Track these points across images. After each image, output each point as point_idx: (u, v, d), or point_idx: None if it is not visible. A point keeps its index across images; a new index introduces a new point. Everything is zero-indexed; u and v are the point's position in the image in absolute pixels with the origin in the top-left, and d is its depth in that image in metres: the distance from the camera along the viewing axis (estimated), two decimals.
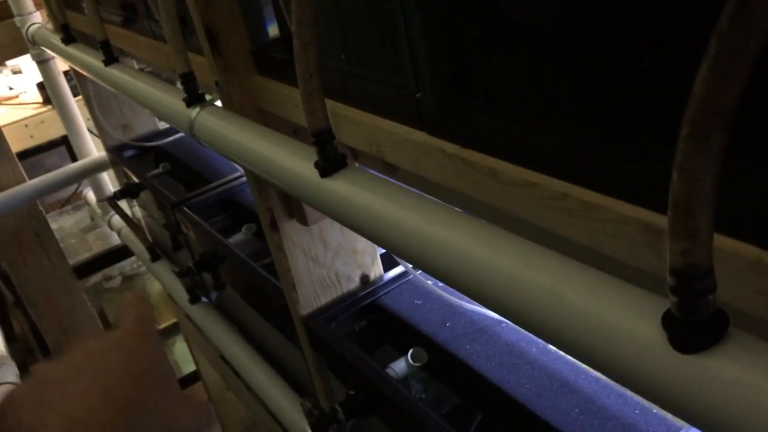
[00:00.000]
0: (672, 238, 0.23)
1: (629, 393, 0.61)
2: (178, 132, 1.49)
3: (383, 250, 0.86)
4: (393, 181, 0.47)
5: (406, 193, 0.43)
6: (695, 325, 0.25)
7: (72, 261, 1.89)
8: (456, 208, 0.41)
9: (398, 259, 0.75)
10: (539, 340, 0.70)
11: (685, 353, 0.25)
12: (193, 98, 0.70)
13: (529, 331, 0.33)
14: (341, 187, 0.47)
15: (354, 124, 0.53)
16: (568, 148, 0.37)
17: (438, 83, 0.44)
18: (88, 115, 1.71)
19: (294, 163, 0.52)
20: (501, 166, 0.41)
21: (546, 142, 0.38)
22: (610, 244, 0.35)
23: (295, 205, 0.75)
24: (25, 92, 2.47)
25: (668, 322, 0.26)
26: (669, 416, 0.58)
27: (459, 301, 0.75)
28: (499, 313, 0.35)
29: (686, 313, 0.25)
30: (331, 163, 0.47)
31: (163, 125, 1.56)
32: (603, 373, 0.29)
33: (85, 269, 1.92)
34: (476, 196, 0.43)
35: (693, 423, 0.25)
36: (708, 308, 0.24)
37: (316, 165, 0.48)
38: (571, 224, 0.37)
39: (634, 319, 0.28)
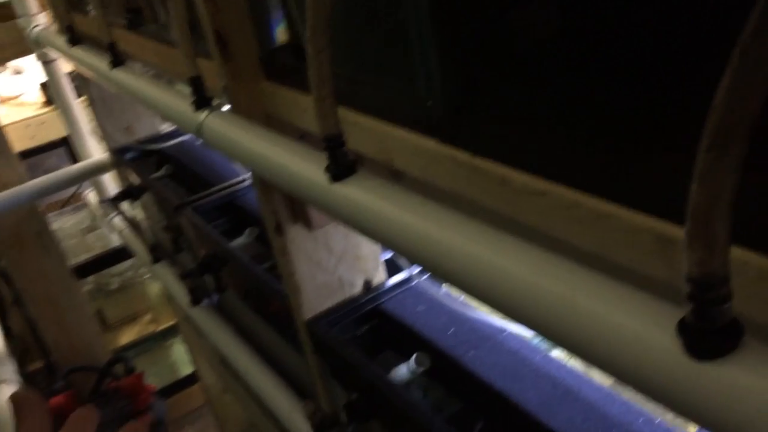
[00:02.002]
0: (690, 247, 0.24)
1: (633, 402, 0.61)
2: (180, 135, 1.49)
3: (386, 256, 0.87)
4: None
5: (418, 198, 0.44)
6: (711, 333, 0.25)
7: (71, 261, 1.89)
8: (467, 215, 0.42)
9: (401, 264, 0.75)
10: (543, 349, 0.70)
11: (700, 360, 0.25)
12: (202, 102, 0.70)
13: (542, 336, 0.33)
14: (352, 192, 0.47)
15: (363, 131, 0.54)
16: (580, 157, 0.37)
17: (449, 91, 0.45)
18: (90, 117, 1.72)
19: (304, 167, 0.52)
20: (512, 174, 0.41)
21: (557, 151, 0.39)
22: (620, 253, 0.35)
23: (300, 209, 0.76)
24: (26, 93, 2.47)
25: (683, 329, 0.26)
26: (673, 426, 0.59)
27: (462, 309, 0.76)
28: (511, 319, 0.35)
29: (702, 321, 0.25)
30: (342, 168, 0.48)
31: (165, 128, 1.57)
32: (616, 378, 0.29)
33: (84, 270, 1.92)
34: (487, 205, 0.43)
35: (708, 429, 0.25)
36: (723, 317, 0.25)
37: (327, 170, 0.49)
38: (581, 233, 0.37)
39: (648, 326, 0.28)
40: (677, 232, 0.32)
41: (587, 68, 0.35)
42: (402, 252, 0.44)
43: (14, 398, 0.43)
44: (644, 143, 0.34)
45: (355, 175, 0.48)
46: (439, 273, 0.41)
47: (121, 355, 2.03)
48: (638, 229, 0.34)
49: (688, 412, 0.26)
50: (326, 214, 0.51)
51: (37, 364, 2.11)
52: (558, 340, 0.32)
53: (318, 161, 0.51)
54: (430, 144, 0.47)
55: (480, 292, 0.37)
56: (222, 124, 0.66)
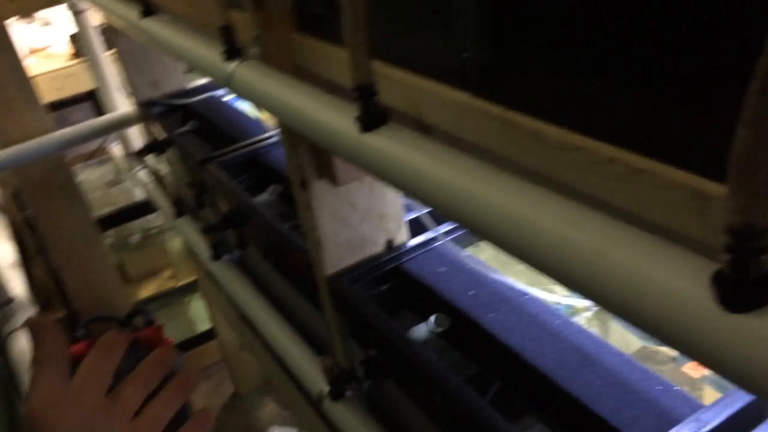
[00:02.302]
0: (732, 195, 0.23)
1: (652, 369, 0.61)
2: (207, 91, 1.49)
3: (410, 216, 0.87)
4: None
5: (448, 150, 0.44)
6: (747, 285, 0.25)
7: (95, 214, 1.91)
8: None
9: (426, 224, 0.75)
10: (563, 313, 0.70)
11: (734, 312, 0.25)
12: (232, 52, 0.70)
13: (573, 290, 0.33)
14: (382, 142, 0.47)
15: (394, 83, 0.53)
16: (616, 112, 0.37)
17: (486, 43, 0.44)
18: (118, 71, 1.72)
19: (334, 117, 0.52)
20: (546, 128, 0.40)
21: (593, 105, 0.38)
22: (655, 210, 0.35)
23: (325, 164, 0.76)
24: (54, 45, 2.48)
25: (719, 280, 0.26)
26: (690, 394, 0.58)
27: (483, 270, 0.76)
28: (540, 271, 0.35)
29: (738, 273, 0.25)
30: (372, 118, 0.47)
31: (192, 84, 1.57)
32: (646, 331, 0.29)
33: (107, 222, 1.95)
34: (518, 160, 0.43)
35: (741, 383, 0.25)
36: (761, 268, 0.24)
37: (357, 120, 0.48)
38: (615, 189, 0.37)
39: (680, 277, 0.28)
40: (715, 189, 0.31)
41: (626, 19, 0.34)
42: (431, 204, 0.44)
43: (29, 322, 0.43)
44: (683, 96, 0.33)
45: (385, 125, 0.48)
46: (469, 225, 0.40)
47: (141, 307, 2.06)
48: (674, 185, 0.33)
49: (719, 365, 0.26)
50: (355, 166, 0.51)
51: (58, 314, 2.15)
52: (586, 291, 0.32)
53: (348, 112, 0.51)
54: (462, 97, 0.46)
55: (511, 245, 0.37)
56: (252, 74, 0.66)
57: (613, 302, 0.31)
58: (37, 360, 0.42)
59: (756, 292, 0.25)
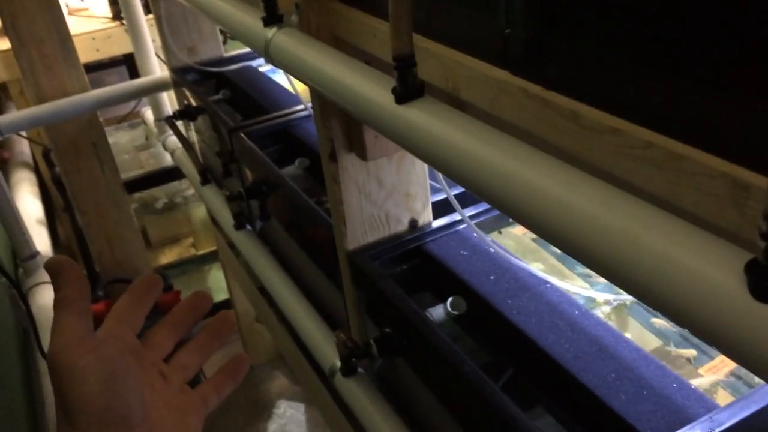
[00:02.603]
0: None
1: (669, 366, 0.60)
2: (241, 60, 1.50)
3: (435, 198, 0.86)
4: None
5: (483, 127, 0.43)
6: None
7: (123, 176, 1.93)
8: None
9: (456, 206, 0.75)
10: (582, 304, 0.70)
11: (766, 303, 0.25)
12: (272, 18, 0.70)
13: (603, 274, 0.33)
14: (417, 115, 0.47)
15: (433, 57, 0.53)
16: (657, 96, 0.36)
17: (529, 21, 0.44)
18: (154, 36, 1.73)
19: (370, 88, 0.52)
20: (584, 110, 0.40)
21: (634, 88, 0.37)
22: (691, 198, 0.34)
23: (356, 138, 0.76)
24: (94, 6, 2.50)
25: (754, 269, 0.25)
26: (704, 394, 0.58)
27: (506, 255, 0.75)
28: (571, 253, 0.35)
29: None
30: (409, 90, 0.47)
31: (227, 53, 1.57)
32: (674, 317, 0.29)
33: (134, 185, 1.97)
34: (554, 141, 0.42)
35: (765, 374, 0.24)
36: None
37: (393, 91, 0.48)
38: (651, 175, 0.36)
39: (712, 265, 0.27)
40: (755, 179, 0.31)
41: (671, 5, 0.34)
42: (462, 180, 0.44)
43: (50, 264, 0.41)
44: (728, 83, 0.32)
45: (421, 98, 0.47)
46: (501, 204, 0.40)
47: (162, 272, 2.08)
48: (713, 174, 0.32)
49: (747, 356, 0.26)
50: (388, 138, 0.50)
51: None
52: (619, 277, 0.32)
53: (384, 83, 0.51)
54: (501, 74, 0.46)
55: (543, 225, 0.36)
56: (290, 41, 0.66)
57: (643, 287, 0.30)
58: (58, 302, 0.40)
59: None
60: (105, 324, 0.43)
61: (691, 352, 0.70)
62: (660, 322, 0.74)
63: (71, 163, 1.76)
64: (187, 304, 0.47)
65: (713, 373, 0.68)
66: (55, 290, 0.41)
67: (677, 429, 0.52)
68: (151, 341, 0.44)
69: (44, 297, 1.52)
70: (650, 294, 0.30)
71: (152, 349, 0.44)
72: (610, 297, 0.75)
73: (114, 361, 0.39)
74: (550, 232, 0.36)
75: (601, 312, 0.77)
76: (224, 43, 1.63)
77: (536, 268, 0.76)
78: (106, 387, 0.38)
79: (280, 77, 1.42)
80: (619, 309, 0.77)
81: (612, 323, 0.74)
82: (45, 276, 1.55)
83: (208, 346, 0.47)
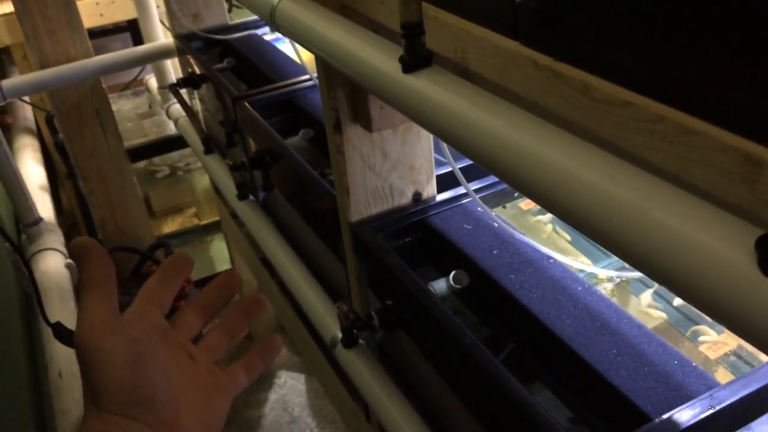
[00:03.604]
0: None
1: (670, 344, 0.60)
2: (247, 28, 1.48)
3: (440, 171, 0.86)
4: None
5: (491, 97, 0.43)
6: None
7: (126, 144, 1.92)
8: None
9: (461, 179, 0.74)
10: (585, 280, 0.69)
11: None
12: None
13: (609, 248, 0.33)
14: (424, 84, 0.46)
15: (441, 26, 0.52)
16: (669, 69, 0.35)
17: None
18: (159, 2, 1.71)
19: (377, 57, 0.51)
20: (595, 82, 0.39)
21: (646, 61, 0.37)
22: (701, 173, 0.33)
23: (361, 109, 0.75)
24: None
25: (764, 246, 0.25)
26: (706, 372, 0.58)
27: (510, 230, 0.75)
28: (577, 227, 0.34)
29: None
30: (417, 59, 0.46)
31: (232, 20, 1.56)
32: (681, 293, 0.28)
33: (138, 153, 1.96)
34: (563, 114, 0.42)
35: None
36: None
37: (401, 60, 0.47)
38: (662, 149, 0.35)
39: (722, 240, 0.27)
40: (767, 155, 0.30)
41: None
42: (469, 152, 0.43)
43: (75, 245, 0.41)
44: (742, 57, 0.32)
45: (429, 68, 0.47)
46: (508, 176, 0.40)
47: (164, 241, 2.08)
48: (726, 149, 0.32)
49: (755, 332, 0.25)
50: (394, 107, 0.50)
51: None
52: (626, 251, 0.31)
53: (391, 52, 0.50)
54: (511, 45, 0.45)
55: (551, 198, 0.36)
56: (296, 8, 0.65)
57: (651, 262, 0.30)
58: (83, 284, 0.40)
59: None
60: (134, 304, 0.42)
61: (700, 329, 0.70)
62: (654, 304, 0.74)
63: (74, 129, 1.75)
64: (218, 284, 0.46)
65: (714, 351, 0.68)
66: (80, 272, 0.40)
67: (677, 406, 0.52)
68: (179, 322, 0.44)
69: (47, 263, 1.52)
70: (659, 269, 0.29)
71: (180, 330, 0.44)
72: (613, 274, 0.75)
73: (140, 342, 0.39)
74: (557, 206, 0.36)
75: (604, 288, 0.77)
76: (229, 11, 1.61)
77: (541, 243, 0.75)
78: (131, 368, 0.38)
79: (286, 46, 1.41)
80: (621, 285, 0.77)
81: (614, 300, 0.73)
82: (48, 242, 1.56)
83: (238, 328, 0.47)
